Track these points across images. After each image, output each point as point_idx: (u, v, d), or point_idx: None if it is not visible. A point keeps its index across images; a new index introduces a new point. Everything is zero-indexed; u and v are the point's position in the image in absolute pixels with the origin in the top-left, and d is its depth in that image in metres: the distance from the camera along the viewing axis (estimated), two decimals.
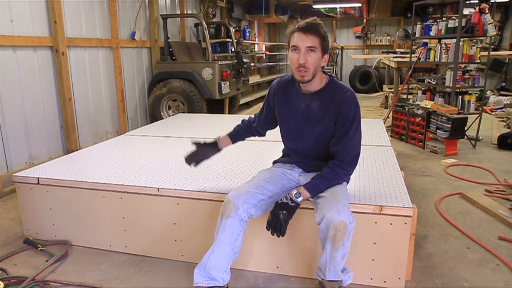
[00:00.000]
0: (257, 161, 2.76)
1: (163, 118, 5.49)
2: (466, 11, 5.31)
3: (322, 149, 1.97)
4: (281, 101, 2.03)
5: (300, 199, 1.81)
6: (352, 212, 1.95)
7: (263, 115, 2.17)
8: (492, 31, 4.65)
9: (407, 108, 5.21)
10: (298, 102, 1.97)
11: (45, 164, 2.79)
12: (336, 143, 1.89)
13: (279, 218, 1.77)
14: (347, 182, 2.07)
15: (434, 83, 5.23)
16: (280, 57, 12.80)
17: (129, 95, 5.65)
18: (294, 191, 1.83)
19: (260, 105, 2.21)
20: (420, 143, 4.95)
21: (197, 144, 2.23)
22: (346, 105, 1.85)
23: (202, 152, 2.21)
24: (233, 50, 7.33)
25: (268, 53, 11.92)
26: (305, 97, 1.94)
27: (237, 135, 2.27)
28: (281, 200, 1.83)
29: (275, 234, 1.79)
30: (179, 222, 2.27)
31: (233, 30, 7.88)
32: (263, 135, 2.29)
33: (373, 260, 2.02)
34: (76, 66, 4.54)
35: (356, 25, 11.65)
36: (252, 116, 2.28)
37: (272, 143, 3.26)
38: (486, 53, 5.66)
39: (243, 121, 2.29)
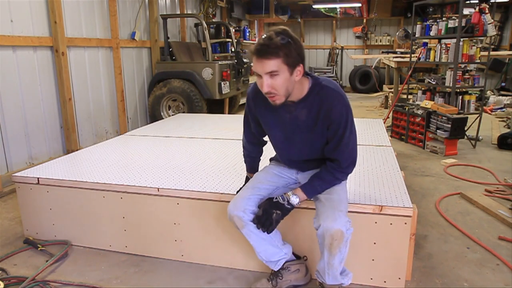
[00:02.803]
0: None
1: (163, 118, 5.49)
2: (466, 11, 5.31)
3: (317, 152, 1.87)
4: (263, 112, 1.86)
5: (297, 201, 1.79)
6: (352, 212, 1.96)
7: (252, 128, 1.99)
8: (492, 31, 4.65)
9: (407, 108, 5.21)
10: (282, 112, 1.79)
11: (45, 164, 2.79)
12: (332, 151, 1.78)
13: (271, 217, 1.74)
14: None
15: (434, 83, 5.23)
16: None
17: (129, 95, 5.65)
18: (291, 194, 1.79)
19: None
20: (420, 143, 4.95)
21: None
22: (336, 111, 1.69)
23: None
24: (233, 50, 7.34)
25: None
26: (289, 107, 1.76)
27: (252, 165, 2.13)
28: (276, 199, 1.78)
29: (260, 229, 1.76)
30: (179, 222, 2.27)
31: (233, 30, 7.89)
32: (266, 142, 2.10)
33: (373, 260, 2.02)
34: (76, 66, 4.54)
35: (356, 25, 11.65)
36: (243, 137, 2.09)
37: None
38: (486, 53, 5.65)
39: (244, 148, 2.11)
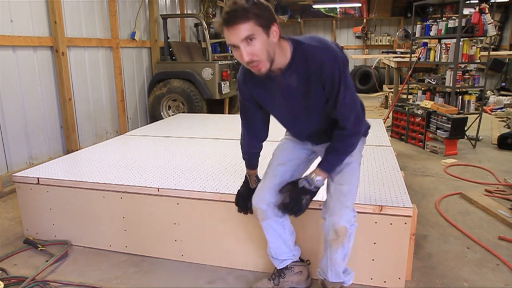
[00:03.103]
0: None
1: (163, 118, 5.49)
2: (466, 11, 5.31)
3: (322, 120, 1.74)
4: (257, 92, 1.75)
5: (321, 183, 1.73)
6: None
7: (251, 114, 1.85)
8: (492, 31, 4.65)
9: (407, 108, 5.21)
10: (275, 87, 1.68)
11: (45, 164, 2.79)
12: (331, 111, 1.65)
13: (301, 203, 1.70)
14: (365, 135, 1.89)
15: (434, 83, 5.23)
16: None
17: (129, 95, 5.65)
18: (315, 177, 1.71)
19: None
20: (420, 143, 4.95)
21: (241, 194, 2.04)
22: (327, 68, 1.54)
23: (247, 196, 1.99)
24: None
25: None
26: (278, 78, 1.63)
27: (252, 162, 2.02)
28: (302, 184, 1.72)
29: (288, 214, 1.75)
30: (179, 222, 2.27)
31: None
32: (266, 136, 1.98)
33: (373, 260, 2.02)
34: (76, 66, 4.54)
35: (356, 25, 11.64)
36: (242, 131, 1.96)
37: (272, 143, 3.26)
38: (486, 53, 5.65)
39: (243, 145, 1.99)
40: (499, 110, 7.43)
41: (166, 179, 2.40)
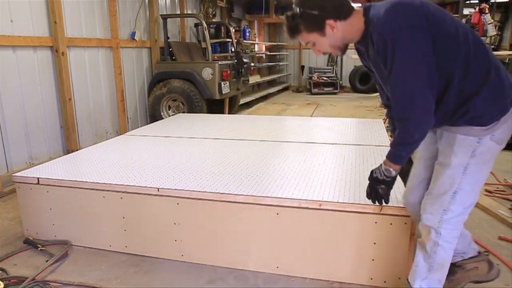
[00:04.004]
0: (258, 160, 2.76)
1: (163, 118, 5.48)
2: (466, 11, 5.32)
3: None
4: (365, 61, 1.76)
5: (392, 172, 1.62)
6: (353, 212, 1.96)
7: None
8: (492, 31, 4.66)
9: None
10: (365, 55, 1.69)
11: (45, 164, 2.80)
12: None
13: (378, 192, 1.69)
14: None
15: None
16: (280, 57, 12.80)
17: (129, 95, 5.65)
18: (383, 166, 1.64)
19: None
20: None
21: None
22: (376, 33, 1.46)
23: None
24: (233, 50, 7.34)
25: (268, 53, 11.92)
26: (362, 47, 1.66)
27: None
28: (375, 173, 1.67)
29: (376, 203, 1.74)
30: (179, 222, 2.27)
31: (233, 30, 7.90)
32: None
33: (373, 260, 2.02)
34: (76, 66, 4.54)
35: None
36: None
37: (273, 143, 3.26)
38: None
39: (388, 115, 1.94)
40: None
41: (166, 179, 2.40)
